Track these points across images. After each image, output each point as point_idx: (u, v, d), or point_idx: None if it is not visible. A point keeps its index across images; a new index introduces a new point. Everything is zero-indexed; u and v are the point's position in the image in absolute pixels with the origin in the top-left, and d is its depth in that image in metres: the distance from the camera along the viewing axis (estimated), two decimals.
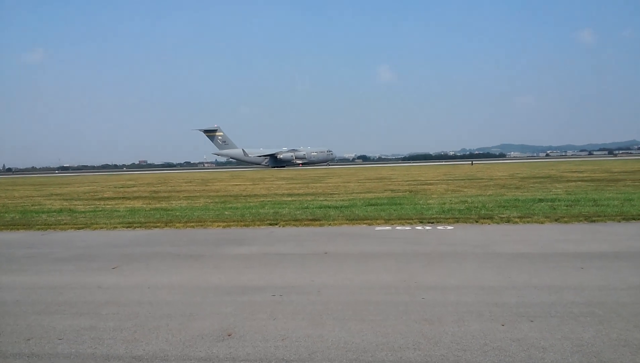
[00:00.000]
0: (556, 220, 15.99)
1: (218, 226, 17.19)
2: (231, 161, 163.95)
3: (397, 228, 15.62)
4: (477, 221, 16.31)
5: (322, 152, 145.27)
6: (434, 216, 17.72)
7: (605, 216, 16.36)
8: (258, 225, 17.06)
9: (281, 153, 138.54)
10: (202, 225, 17.46)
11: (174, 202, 27.77)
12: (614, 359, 5.50)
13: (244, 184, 46.26)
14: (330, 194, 30.51)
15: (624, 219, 15.77)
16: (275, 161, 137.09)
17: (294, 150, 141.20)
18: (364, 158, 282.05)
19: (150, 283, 9.53)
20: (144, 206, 25.79)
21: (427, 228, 15.44)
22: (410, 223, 16.36)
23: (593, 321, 6.68)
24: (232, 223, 17.55)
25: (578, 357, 5.60)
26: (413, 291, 8.36)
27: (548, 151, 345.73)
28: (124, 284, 9.55)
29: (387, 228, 15.69)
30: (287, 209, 21.59)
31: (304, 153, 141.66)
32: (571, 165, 79.02)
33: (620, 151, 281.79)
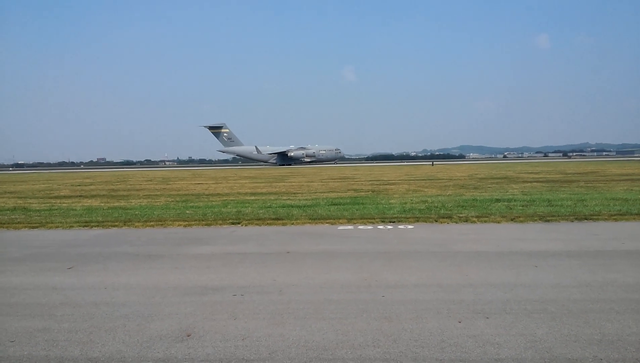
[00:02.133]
0: (512, 220, 16.48)
1: (179, 225, 16.94)
2: (237, 159, 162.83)
3: (360, 227, 15.77)
4: (436, 221, 16.64)
5: (330, 150, 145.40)
6: (396, 215, 17.97)
7: (558, 216, 16.95)
8: (220, 224, 16.91)
9: (291, 150, 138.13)
10: (162, 224, 17.16)
11: (133, 201, 27.18)
12: (565, 354, 5.72)
13: (207, 183, 45.70)
14: (294, 193, 30.50)
15: (576, 219, 16.38)
16: (283, 159, 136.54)
17: (303, 148, 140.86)
18: None
19: (107, 283, 9.32)
20: (102, 204, 25.14)
21: (389, 227, 15.64)
22: (372, 223, 16.54)
23: (546, 317, 6.92)
24: (193, 223, 17.33)
25: (531, 352, 5.79)
26: (373, 290, 8.46)
27: (505, 153, 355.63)
28: (80, 285, 9.30)
29: (350, 227, 15.82)
30: (250, 208, 21.46)
31: (313, 151, 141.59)
32: (527, 166, 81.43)
33: (574, 153, 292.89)
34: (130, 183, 49.12)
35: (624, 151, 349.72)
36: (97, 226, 17.19)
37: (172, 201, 26.61)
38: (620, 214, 16.91)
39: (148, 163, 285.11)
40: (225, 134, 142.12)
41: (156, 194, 31.95)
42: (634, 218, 16.25)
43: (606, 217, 16.50)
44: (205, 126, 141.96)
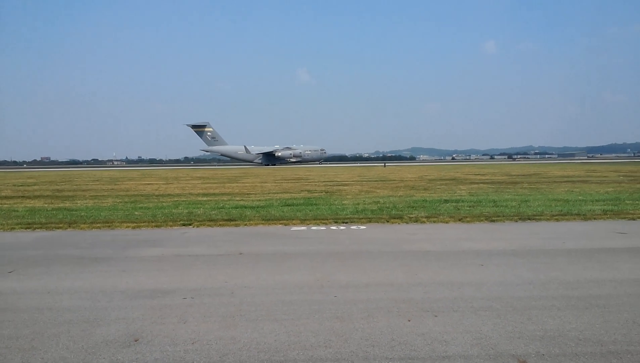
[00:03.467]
0: (460, 220, 16.96)
1: (127, 227, 16.46)
2: (221, 158, 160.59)
3: (313, 228, 15.82)
4: (388, 221, 16.91)
5: (315, 151, 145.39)
6: (348, 216, 18.15)
7: (503, 216, 17.58)
8: (170, 226, 16.56)
9: (278, 151, 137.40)
10: (109, 226, 16.64)
11: (78, 202, 26.21)
12: (510, 350, 5.93)
13: (157, 184, 44.65)
14: (247, 194, 30.27)
15: (520, 219, 17.04)
16: (269, 159, 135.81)
17: (289, 148, 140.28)
18: None
19: (51, 288, 8.95)
20: (46, 205, 24.11)
21: (342, 227, 15.77)
22: (325, 223, 16.64)
23: (491, 315, 7.16)
24: (142, 224, 16.89)
25: (477, 349, 5.98)
26: (326, 290, 8.51)
27: (454, 155, 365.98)
28: (21, 289, 8.88)
29: (303, 228, 15.84)
30: (201, 209, 21.14)
31: (299, 151, 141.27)
32: (474, 168, 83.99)
33: (519, 156, 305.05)
34: (76, 183, 47.35)
35: (565, 154, 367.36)
36: (41, 228, 16.49)
37: (120, 202, 25.85)
38: (561, 215, 17.72)
39: (95, 162, 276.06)
40: (209, 134, 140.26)
41: (103, 195, 30.95)
42: (574, 218, 17.06)
43: (548, 217, 17.25)
44: (188, 125, 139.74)
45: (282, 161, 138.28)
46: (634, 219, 16.82)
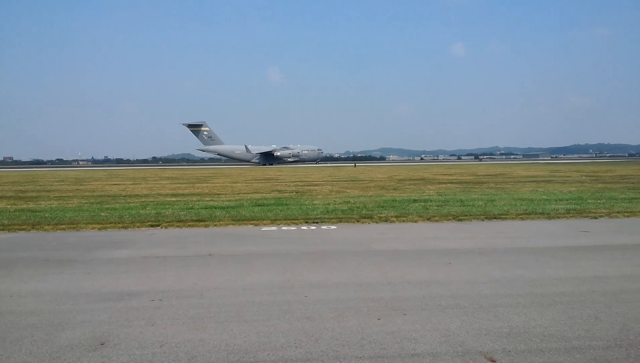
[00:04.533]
0: (428, 219, 17.19)
1: (93, 228, 16.09)
2: (217, 158, 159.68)
3: (283, 228, 15.78)
4: (358, 221, 17.01)
5: (312, 150, 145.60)
6: (319, 216, 18.17)
7: (470, 215, 17.90)
8: (138, 227, 16.26)
9: (277, 150, 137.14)
10: (74, 228, 16.22)
11: (42, 203, 25.46)
12: (477, 347, 6.04)
13: (124, 184, 43.79)
14: (217, 194, 29.98)
15: (486, 218, 17.38)
16: (267, 159, 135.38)
17: (286, 148, 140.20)
18: None
19: (13, 291, 8.67)
20: (8, 206, 23.35)
21: (312, 227, 15.78)
22: (296, 223, 16.62)
23: (459, 312, 7.28)
24: (108, 225, 16.53)
25: (445, 346, 6.06)
26: (296, 290, 8.50)
27: (422, 155, 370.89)
28: None
29: (274, 228, 15.78)
30: (170, 210, 20.83)
31: (297, 151, 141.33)
32: (442, 168, 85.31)
33: (485, 156, 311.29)
34: (40, 184, 46.05)
35: (529, 154, 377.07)
36: (3, 229, 15.97)
37: (86, 202, 25.24)
38: (526, 214, 18.15)
39: (60, 162, 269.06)
40: (205, 133, 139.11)
41: (68, 196, 30.17)
42: (538, 217, 17.50)
43: (513, 216, 17.65)
44: (184, 124, 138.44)
45: (280, 160, 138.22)
46: (596, 218, 17.35)
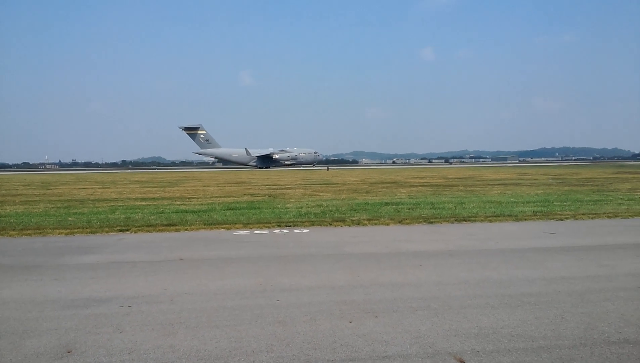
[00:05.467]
0: (400, 222, 17.35)
1: (60, 233, 15.70)
2: (214, 161, 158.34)
3: (256, 232, 15.70)
4: (331, 224, 17.05)
5: (309, 153, 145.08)
6: (292, 219, 18.14)
7: (441, 218, 18.15)
8: (107, 232, 15.94)
9: (275, 153, 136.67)
10: (40, 233, 15.80)
11: (7, 207, 24.72)
12: (447, 348, 6.12)
13: (92, 188, 42.88)
14: (188, 198, 29.63)
15: (456, 220, 17.64)
16: (264, 162, 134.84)
17: (284, 151, 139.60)
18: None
19: None
20: None
21: (285, 231, 15.74)
22: (269, 227, 16.55)
23: (429, 314, 7.36)
24: (76, 230, 16.16)
25: (416, 348, 6.12)
26: (269, 294, 8.46)
27: (394, 159, 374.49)
28: None
29: (246, 232, 15.68)
30: (140, 214, 20.49)
31: (295, 153, 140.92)
32: (414, 172, 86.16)
33: (455, 160, 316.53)
34: (4, 188, 44.73)
35: (498, 157, 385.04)
36: None
37: (53, 207, 24.62)
38: (495, 216, 18.50)
39: (26, 166, 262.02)
40: (201, 136, 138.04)
41: (34, 200, 29.39)
42: (507, 219, 17.86)
43: (482, 218, 17.97)
44: (181, 127, 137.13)
45: (277, 163, 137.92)
46: (562, 219, 17.80)
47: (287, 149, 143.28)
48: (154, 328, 6.88)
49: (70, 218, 19.28)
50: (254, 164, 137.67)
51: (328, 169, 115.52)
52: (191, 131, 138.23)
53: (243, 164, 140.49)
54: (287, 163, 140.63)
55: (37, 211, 22.71)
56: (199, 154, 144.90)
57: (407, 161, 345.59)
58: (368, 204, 23.48)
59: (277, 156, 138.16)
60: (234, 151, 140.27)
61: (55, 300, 8.29)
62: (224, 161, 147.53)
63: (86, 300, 8.29)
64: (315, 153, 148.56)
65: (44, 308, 7.85)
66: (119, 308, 7.79)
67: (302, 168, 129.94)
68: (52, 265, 11.10)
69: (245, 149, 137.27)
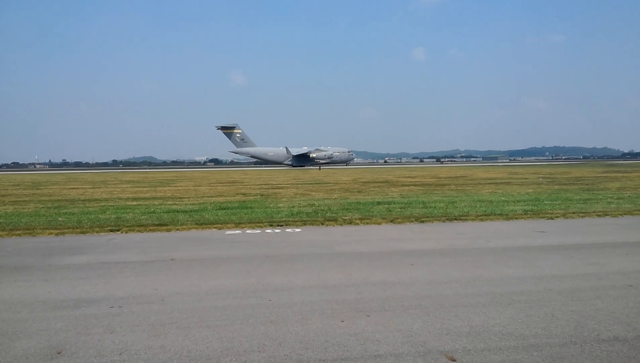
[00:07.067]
0: (391, 221, 17.39)
1: (50, 233, 15.58)
2: (249, 160, 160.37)
3: (248, 231, 15.66)
4: (323, 223, 17.04)
5: (344, 152, 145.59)
6: (284, 219, 18.11)
7: (432, 217, 18.21)
8: (97, 232, 15.83)
9: (312, 152, 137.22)
10: (30, 233, 15.67)
11: None
12: (438, 346, 6.14)
13: (83, 188, 42.58)
14: (180, 198, 29.51)
15: (447, 219, 17.70)
16: (299, 161, 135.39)
17: (319, 150, 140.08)
18: (217, 161, 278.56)
19: None
20: None
21: (277, 231, 15.71)
22: (261, 227, 16.52)
23: (421, 313, 7.38)
24: (66, 230, 16.04)
25: (407, 347, 6.14)
26: (260, 294, 8.45)
27: (386, 158, 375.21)
28: None
29: (238, 231, 15.64)
30: (131, 214, 20.37)
31: (331, 152, 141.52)
32: (405, 171, 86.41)
33: (446, 159, 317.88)
34: None
35: (489, 157, 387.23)
36: None
37: (43, 207, 24.42)
38: (486, 215, 18.59)
39: (16, 165, 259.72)
40: (237, 135, 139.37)
41: (24, 200, 29.14)
42: (497, 218, 17.95)
43: (473, 217, 18.05)
44: (217, 127, 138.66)
45: (313, 162, 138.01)
46: (552, 218, 17.92)
47: (322, 148, 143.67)
48: (145, 328, 6.85)
49: (60, 218, 19.13)
50: (289, 163, 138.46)
51: (320, 169, 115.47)
52: (227, 131, 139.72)
53: (278, 163, 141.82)
54: (322, 162, 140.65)
55: (27, 211, 22.52)
56: (235, 152, 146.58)
57: (399, 161, 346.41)
58: (360, 203, 23.51)
59: (313, 155, 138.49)
60: (270, 150, 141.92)
61: (45, 301, 8.23)
62: (260, 160, 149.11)
63: (76, 300, 8.23)
64: (349, 152, 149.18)
65: (34, 309, 7.79)
66: (110, 309, 7.74)
67: (337, 167, 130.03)
68: (42, 266, 11.00)
69: (286, 148, 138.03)
